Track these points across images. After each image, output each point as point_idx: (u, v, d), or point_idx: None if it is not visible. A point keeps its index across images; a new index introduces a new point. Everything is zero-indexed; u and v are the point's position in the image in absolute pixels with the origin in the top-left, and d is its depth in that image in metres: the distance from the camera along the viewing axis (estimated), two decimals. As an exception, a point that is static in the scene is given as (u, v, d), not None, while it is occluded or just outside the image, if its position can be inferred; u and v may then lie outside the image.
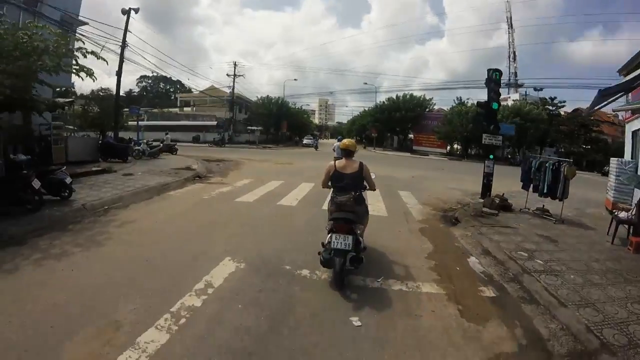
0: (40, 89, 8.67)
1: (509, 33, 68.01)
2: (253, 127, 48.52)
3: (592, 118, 52.69)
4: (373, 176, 5.06)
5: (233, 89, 47.26)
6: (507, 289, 4.48)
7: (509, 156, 45.61)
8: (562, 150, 48.56)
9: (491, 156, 10.26)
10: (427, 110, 49.65)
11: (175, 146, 23.34)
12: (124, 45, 20.89)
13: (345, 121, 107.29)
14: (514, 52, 65.17)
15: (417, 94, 49.98)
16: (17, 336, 2.92)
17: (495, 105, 10.05)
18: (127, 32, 21.21)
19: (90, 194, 8.48)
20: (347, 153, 4.93)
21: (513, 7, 69.10)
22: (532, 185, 9.16)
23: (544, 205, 8.98)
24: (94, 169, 12.38)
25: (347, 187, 4.60)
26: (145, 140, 20.32)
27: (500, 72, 10.18)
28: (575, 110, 50.65)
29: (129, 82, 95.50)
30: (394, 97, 49.63)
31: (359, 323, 3.41)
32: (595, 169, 46.39)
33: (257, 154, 28.57)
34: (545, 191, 8.64)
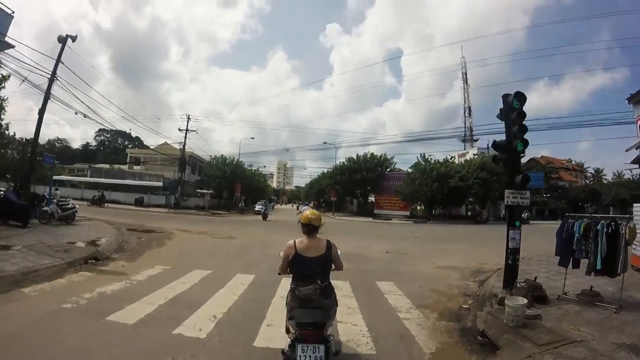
0: None
1: (464, 89, 70.10)
2: (203, 191, 44.24)
3: (549, 165, 53.24)
4: (339, 252, 3.90)
5: (184, 145, 42.01)
6: None
7: (470, 213, 43.81)
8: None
9: (517, 223, 6.82)
10: (387, 170, 47.77)
11: (72, 210, 15.77)
12: (53, 78, 17.53)
13: (303, 185, 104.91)
14: (469, 107, 66.60)
15: (376, 153, 48.40)
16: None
17: (520, 146, 6.71)
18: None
19: None
20: (309, 229, 3.71)
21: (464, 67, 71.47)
22: (572, 259, 6.56)
23: (592, 287, 6.38)
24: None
25: (313, 275, 3.49)
26: (55, 200, 15.70)
27: (522, 97, 6.91)
28: (531, 160, 50.87)
29: (89, 136, 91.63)
30: (354, 157, 47.51)
31: None
32: (559, 217, 45.43)
33: (198, 222, 24.15)
34: (598, 267, 6.07)
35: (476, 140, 63.92)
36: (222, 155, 49.20)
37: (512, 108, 6.92)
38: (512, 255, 6.72)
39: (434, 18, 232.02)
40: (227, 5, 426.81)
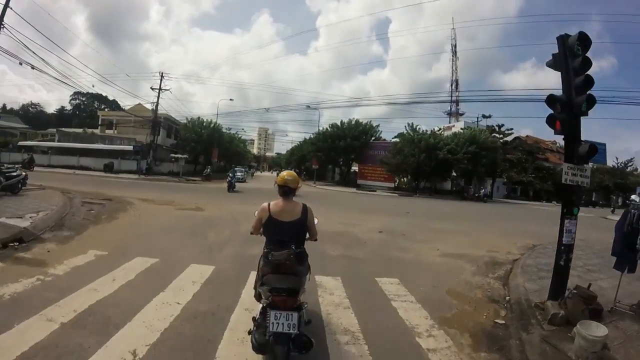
0: None
1: (452, 61, 67.96)
2: (177, 155, 41.44)
3: (536, 145, 52.52)
4: (315, 221, 3.73)
5: (157, 105, 38.27)
6: None
7: (454, 189, 42.73)
8: (507, 180, 47.28)
9: (575, 210, 5.03)
10: (372, 138, 45.78)
11: (18, 179, 13.17)
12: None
13: (284, 152, 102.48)
14: (457, 80, 64.70)
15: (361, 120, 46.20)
16: None
17: (585, 106, 4.85)
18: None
19: None
20: (285, 191, 3.51)
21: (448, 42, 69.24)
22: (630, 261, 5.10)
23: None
24: None
25: (286, 240, 3.38)
26: None
27: (586, 40, 4.98)
28: (517, 139, 49.89)
29: (65, 100, 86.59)
30: (338, 123, 45.23)
31: None
32: (543, 199, 45.00)
33: (167, 190, 21.57)
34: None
35: (462, 114, 62.60)
36: (198, 117, 45.78)
37: (574, 54, 4.99)
38: (566, 254, 4.97)
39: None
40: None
